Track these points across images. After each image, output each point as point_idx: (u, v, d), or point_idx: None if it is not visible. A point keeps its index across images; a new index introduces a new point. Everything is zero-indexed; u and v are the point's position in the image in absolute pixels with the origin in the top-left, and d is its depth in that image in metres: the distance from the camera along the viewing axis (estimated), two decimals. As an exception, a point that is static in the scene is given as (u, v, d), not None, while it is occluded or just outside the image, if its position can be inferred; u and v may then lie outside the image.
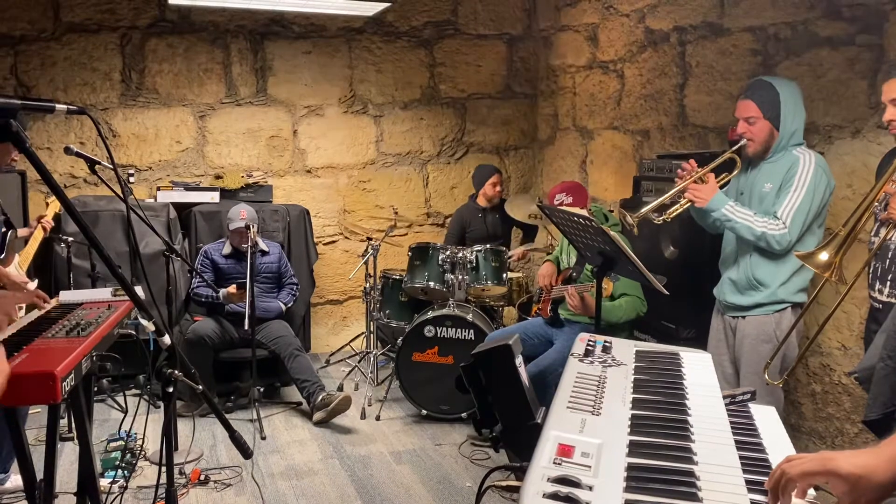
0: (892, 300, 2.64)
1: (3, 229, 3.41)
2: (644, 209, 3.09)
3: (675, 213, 3.12)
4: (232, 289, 4.53)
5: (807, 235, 2.97)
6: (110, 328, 2.42)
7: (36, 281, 3.92)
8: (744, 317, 3.12)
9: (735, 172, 3.15)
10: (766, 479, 1.27)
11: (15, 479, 3.40)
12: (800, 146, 3.02)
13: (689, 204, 3.08)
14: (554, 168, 6.20)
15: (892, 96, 2.60)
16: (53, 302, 2.70)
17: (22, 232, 3.83)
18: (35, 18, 5.17)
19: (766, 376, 2.93)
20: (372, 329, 5.28)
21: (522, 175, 6.50)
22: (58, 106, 1.76)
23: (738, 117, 3.06)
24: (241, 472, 3.82)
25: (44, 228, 3.98)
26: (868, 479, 1.13)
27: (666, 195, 3.10)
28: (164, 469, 2.23)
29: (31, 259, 3.80)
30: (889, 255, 2.66)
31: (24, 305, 2.82)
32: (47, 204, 4.27)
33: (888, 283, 2.67)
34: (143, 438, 3.98)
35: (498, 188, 5.38)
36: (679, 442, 1.40)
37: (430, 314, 4.60)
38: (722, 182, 3.11)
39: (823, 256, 2.52)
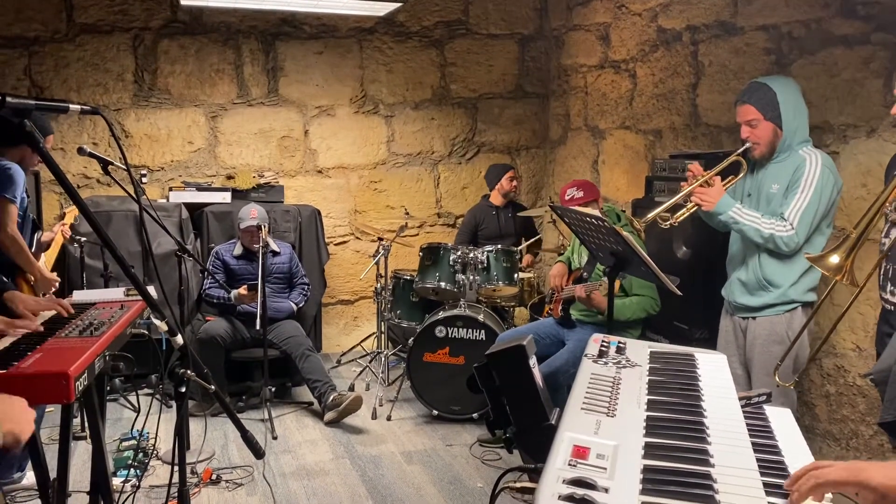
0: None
1: (31, 229, 3.50)
2: (651, 214, 3.08)
3: (682, 217, 3.11)
4: (243, 290, 4.53)
5: (815, 235, 2.96)
6: (123, 328, 2.42)
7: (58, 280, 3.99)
8: (754, 317, 3.11)
9: (741, 175, 3.13)
10: (785, 481, 1.26)
11: (31, 477, 3.43)
12: (806, 145, 3.00)
13: (695, 207, 3.07)
14: (566, 168, 6.18)
15: None
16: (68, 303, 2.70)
17: (44, 237, 3.91)
18: (48, 20, 5.20)
19: (777, 378, 2.91)
20: (383, 329, 5.28)
21: (534, 175, 6.49)
22: (72, 106, 1.77)
23: (739, 122, 3.05)
24: (253, 472, 3.82)
25: (63, 235, 4.05)
26: None
27: (672, 199, 3.10)
28: (176, 468, 2.24)
29: (52, 262, 3.87)
30: None
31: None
32: (64, 214, 4.31)
33: None
34: (156, 438, 3.99)
35: (515, 182, 5.44)
36: (695, 444, 1.39)
37: (441, 314, 4.59)
38: (728, 185, 3.10)
39: (834, 259, 2.49)
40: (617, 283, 3.60)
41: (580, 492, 1.14)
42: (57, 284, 3.55)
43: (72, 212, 4.31)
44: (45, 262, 3.76)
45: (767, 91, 2.98)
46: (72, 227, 4.64)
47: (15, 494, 3.44)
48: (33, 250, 3.47)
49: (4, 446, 1.36)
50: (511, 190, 5.43)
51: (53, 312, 2.54)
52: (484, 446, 4.18)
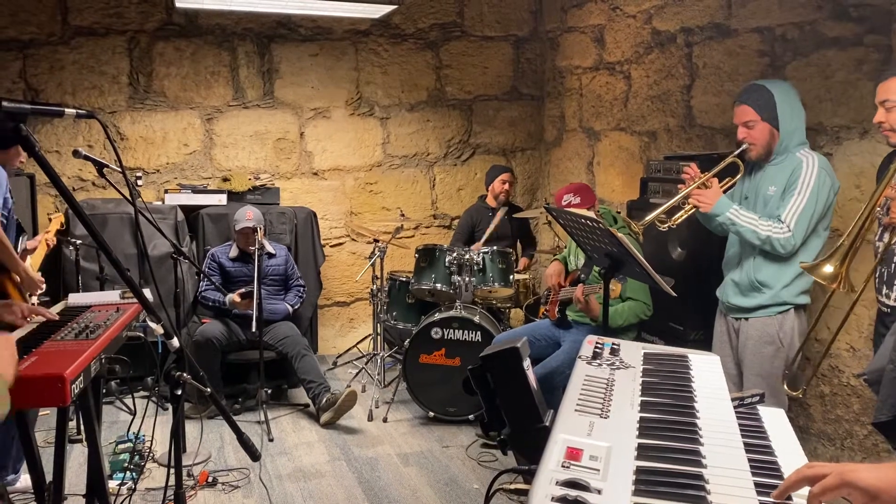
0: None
1: (16, 231, 3.49)
2: (649, 216, 3.09)
3: (679, 219, 3.12)
4: (236, 297, 4.51)
5: (812, 237, 2.97)
6: (119, 330, 2.42)
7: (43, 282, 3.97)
8: (746, 318, 3.12)
9: (738, 177, 3.15)
10: (777, 481, 1.26)
11: (26, 480, 3.42)
12: (803, 147, 3.02)
13: (693, 209, 3.09)
14: (561, 169, 6.19)
15: (881, 98, 2.59)
16: (59, 307, 2.70)
17: (30, 244, 3.90)
18: (44, 22, 5.19)
19: (785, 386, 2.94)
20: (379, 331, 5.29)
21: (529, 176, 6.50)
22: (67, 110, 1.77)
23: (736, 124, 3.07)
24: (249, 474, 3.82)
25: (47, 244, 4.04)
26: (890, 493, 1.11)
27: (670, 201, 3.11)
28: (172, 471, 2.24)
29: (36, 268, 3.86)
30: (894, 260, 2.65)
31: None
32: (50, 220, 4.30)
33: (895, 287, 2.65)
34: (152, 440, 3.99)
35: (507, 186, 5.41)
36: (687, 445, 1.40)
37: (437, 316, 4.60)
38: (726, 186, 3.11)
39: (828, 269, 2.50)
40: (617, 288, 3.61)
41: (573, 493, 1.15)
42: (43, 286, 3.54)
43: (57, 219, 4.29)
44: (31, 264, 3.75)
45: (765, 93, 2.99)
46: (68, 230, 4.64)
47: (12, 499, 3.44)
48: (18, 252, 3.47)
49: None
50: (501, 193, 5.39)
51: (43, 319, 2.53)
52: (484, 446, 4.18)
